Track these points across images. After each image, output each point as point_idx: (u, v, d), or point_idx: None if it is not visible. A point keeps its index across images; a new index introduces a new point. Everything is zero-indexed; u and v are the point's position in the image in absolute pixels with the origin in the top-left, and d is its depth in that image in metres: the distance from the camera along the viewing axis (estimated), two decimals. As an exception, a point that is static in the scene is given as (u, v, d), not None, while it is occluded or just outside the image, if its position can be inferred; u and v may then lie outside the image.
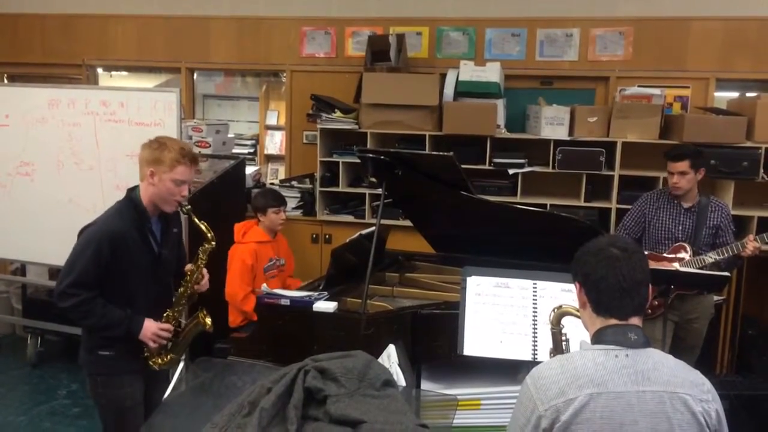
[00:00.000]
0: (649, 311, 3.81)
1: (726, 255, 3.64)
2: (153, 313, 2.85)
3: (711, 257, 3.66)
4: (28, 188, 4.72)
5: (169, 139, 2.80)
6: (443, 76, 5.06)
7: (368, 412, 1.68)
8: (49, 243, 4.53)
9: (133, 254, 2.72)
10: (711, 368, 4.56)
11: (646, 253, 3.78)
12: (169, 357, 2.92)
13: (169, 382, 2.91)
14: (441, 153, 3.46)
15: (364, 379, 1.76)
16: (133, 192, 2.80)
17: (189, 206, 2.82)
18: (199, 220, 2.86)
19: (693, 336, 3.93)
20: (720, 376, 4.44)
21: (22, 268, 5.49)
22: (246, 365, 1.98)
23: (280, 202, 4.37)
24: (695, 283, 3.66)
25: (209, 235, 2.90)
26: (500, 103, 4.96)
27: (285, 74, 5.70)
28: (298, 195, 5.41)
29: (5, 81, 6.34)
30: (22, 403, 4.53)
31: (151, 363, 2.87)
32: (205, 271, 2.96)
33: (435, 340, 3.19)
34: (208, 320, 2.96)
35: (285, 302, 3.29)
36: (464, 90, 4.97)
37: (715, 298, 4.20)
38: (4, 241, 4.85)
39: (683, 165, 3.74)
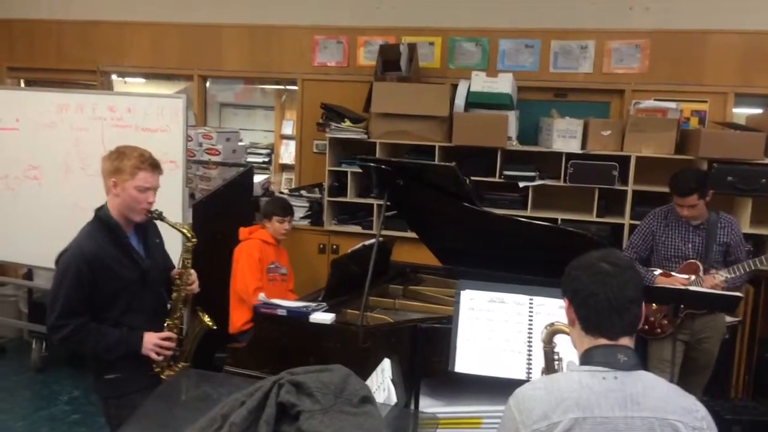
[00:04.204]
0: (659, 330, 3.69)
1: (739, 273, 3.52)
2: (151, 325, 2.79)
3: (722, 275, 3.54)
4: (35, 192, 4.74)
5: (128, 148, 2.73)
6: (454, 87, 5.00)
7: (343, 429, 1.61)
8: (55, 247, 4.48)
9: (116, 272, 2.65)
10: (725, 392, 4.40)
11: (659, 272, 3.72)
12: (179, 366, 2.86)
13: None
14: (444, 163, 3.40)
15: (341, 395, 1.69)
16: (100, 211, 2.73)
17: (159, 210, 2.76)
18: (173, 223, 2.81)
19: (704, 356, 3.80)
20: (734, 401, 4.29)
21: (28, 272, 5.50)
22: (222, 376, 1.91)
23: (285, 212, 4.38)
24: (706, 303, 3.53)
25: (189, 234, 2.86)
26: (512, 115, 4.88)
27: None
28: (307, 204, 5.37)
29: (22, 86, 6.39)
30: (22, 408, 4.51)
31: (163, 378, 2.79)
32: (192, 271, 2.90)
33: (435, 355, 3.09)
34: (208, 318, 2.92)
35: (282, 312, 3.23)
36: (475, 101, 4.90)
37: (731, 319, 4.08)
38: (12, 244, 4.88)
39: (692, 199, 3.63)
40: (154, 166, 2.72)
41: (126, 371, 2.72)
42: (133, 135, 4.38)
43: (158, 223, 2.87)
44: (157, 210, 2.75)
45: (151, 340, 2.73)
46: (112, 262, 2.64)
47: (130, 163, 2.65)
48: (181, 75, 6.13)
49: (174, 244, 3.10)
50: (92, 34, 6.05)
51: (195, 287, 2.92)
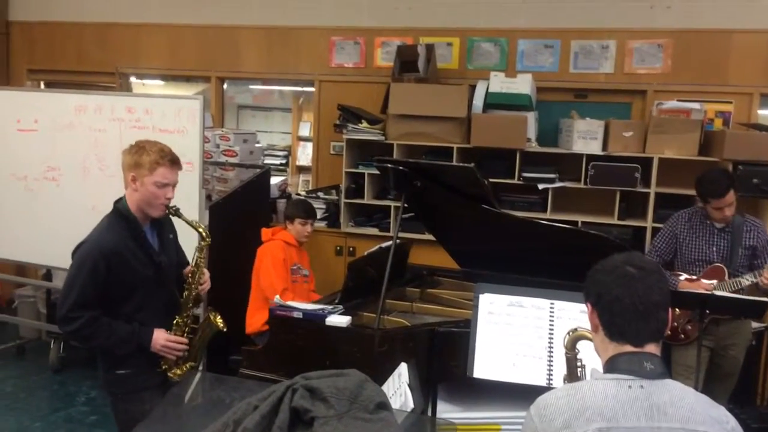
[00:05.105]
0: (683, 336, 3.61)
1: None
2: (163, 321, 2.78)
3: (748, 279, 3.46)
4: (54, 193, 4.75)
5: (148, 142, 2.71)
6: (473, 88, 4.94)
7: (357, 437, 1.56)
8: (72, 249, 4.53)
9: (133, 267, 2.64)
10: (751, 400, 4.30)
11: (683, 277, 3.64)
12: (187, 366, 2.85)
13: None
14: (462, 164, 3.35)
15: (356, 401, 1.65)
16: (119, 203, 2.72)
17: (177, 207, 2.74)
18: (189, 220, 2.79)
19: (729, 363, 3.71)
20: (761, 408, 4.19)
21: (47, 273, 5.52)
22: (236, 380, 1.88)
23: (308, 214, 4.39)
24: (732, 308, 3.44)
25: (204, 233, 2.84)
26: (531, 116, 4.81)
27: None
28: (324, 206, 5.34)
29: (42, 87, 6.44)
30: (39, 408, 4.51)
31: (170, 375, 2.79)
32: (205, 270, 2.88)
33: (453, 360, 3.04)
34: (219, 320, 2.89)
35: (297, 315, 3.19)
36: (494, 102, 4.84)
37: (757, 325, 3.99)
38: (31, 245, 4.89)
39: (731, 197, 3.53)
40: (173, 162, 2.70)
41: (136, 367, 2.71)
42: (150, 136, 4.27)
43: (174, 219, 2.85)
44: (174, 206, 2.74)
45: (160, 337, 2.71)
46: (129, 255, 2.63)
47: (149, 158, 2.63)
48: (199, 76, 6.13)
49: (186, 242, 3.07)
50: (111, 36, 6.08)
51: (206, 286, 2.90)
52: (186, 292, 2.84)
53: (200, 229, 2.84)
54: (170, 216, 2.79)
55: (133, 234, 2.66)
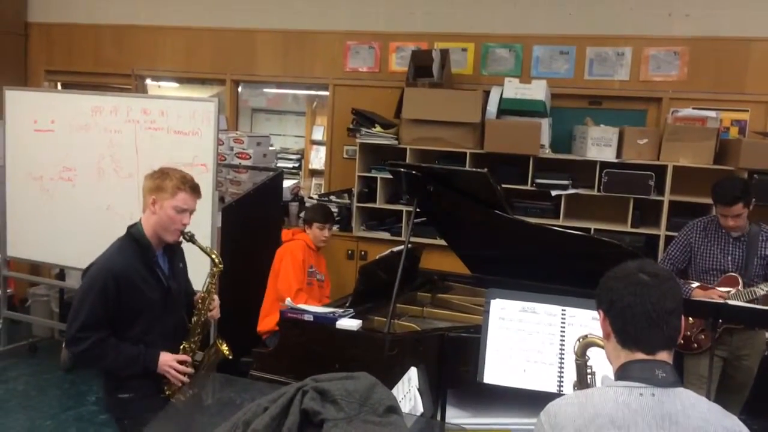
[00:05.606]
0: (695, 345, 3.58)
1: None
2: (170, 346, 2.77)
3: (763, 289, 3.43)
4: (69, 193, 4.79)
5: (171, 169, 2.75)
6: (487, 93, 4.94)
7: (367, 440, 1.56)
8: (87, 249, 4.49)
9: (142, 290, 2.64)
10: (764, 410, 4.24)
11: (696, 285, 3.61)
12: (190, 392, 2.84)
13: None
14: (475, 169, 3.34)
15: (365, 404, 1.64)
16: (133, 228, 2.73)
17: (191, 233, 2.75)
18: (203, 246, 2.80)
19: (743, 373, 3.67)
20: (774, 420, 4.13)
21: (61, 273, 5.56)
22: (246, 382, 1.88)
23: (326, 219, 4.41)
24: (746, 318, 3.41)
25: (217, 259, 2.85)
26: (545, 122, 4.80)
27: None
28: (336, 210, 5.34)
29: (59, 88, 6.50)
30: (50, 407, 4.53)
31: (173, 401, 2.75)
32: (215, 297, 2.89)
33: (463, 365, 3.03)
34: (225, 348, 2.90)
35: (308, 318, 3.20)
36: (508, 108, 4.84)
37: (770, 334, 3.95)
38: (45, 245, 4.94)
39: (738, 208, 3.51)
40: (194, 189, 2.74)
41: (139, 391, 2.70)
42: (165, 138, 4.41)
43: (186, 247, 2.85)
44: (189, 232, 2.75)
45: (167, 359, 2.71)
46: (138, 279, 2.64)
47: (172, 183, 2.67)
48: (214, 79, 6.17)
49: (198, 268, 3.07)
50: (128, 38, 6.13)
51: (216, 313, 2.90)
52: (195, 318, 2.84)
53: (213, 256, 2.86)
54: (184, 243, 2.80)
55: (143, 258, 2.67)
